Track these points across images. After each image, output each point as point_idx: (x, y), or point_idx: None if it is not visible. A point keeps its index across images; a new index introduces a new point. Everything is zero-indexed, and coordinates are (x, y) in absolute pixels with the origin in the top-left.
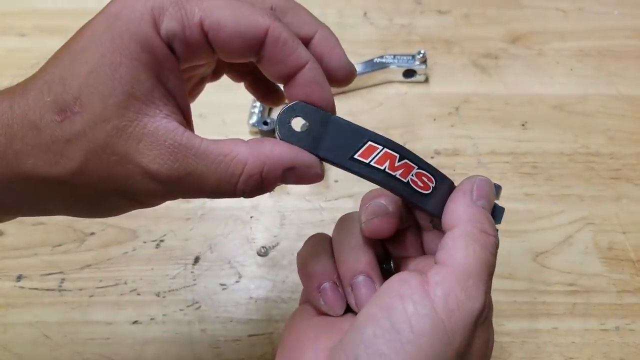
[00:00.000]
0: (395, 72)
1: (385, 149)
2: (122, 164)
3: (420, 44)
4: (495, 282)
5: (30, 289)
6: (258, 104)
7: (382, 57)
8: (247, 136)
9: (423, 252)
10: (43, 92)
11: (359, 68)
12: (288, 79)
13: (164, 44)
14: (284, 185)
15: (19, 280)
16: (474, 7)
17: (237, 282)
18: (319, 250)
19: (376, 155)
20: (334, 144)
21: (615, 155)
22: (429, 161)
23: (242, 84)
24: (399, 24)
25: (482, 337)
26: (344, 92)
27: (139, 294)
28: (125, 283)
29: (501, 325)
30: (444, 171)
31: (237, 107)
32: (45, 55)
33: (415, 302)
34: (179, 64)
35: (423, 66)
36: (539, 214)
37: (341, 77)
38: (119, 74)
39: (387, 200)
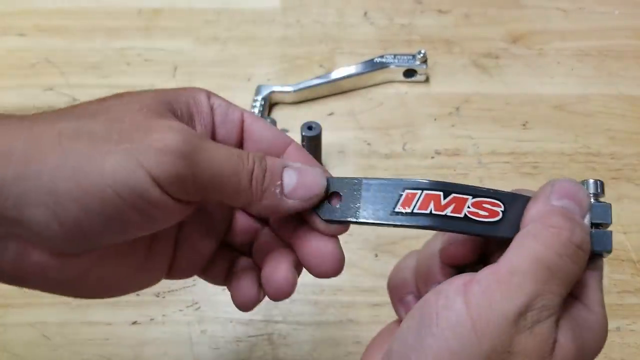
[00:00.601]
0: (396, 72)
1: (424, 192)
2: (147, 122)
3: (421, 44)
4: None
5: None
6: (258, 103)
7: (382, 56)
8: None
9: None
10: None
11: (359, 68)
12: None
13: (208, 104)
14: None
15: None
16: (475, 6)
17: None
18: (403, 265)
19: (417, 201)
20: (372, 206)
21: (616, 155)
22: (429, 161)
23: (240, 84)
24: (399, 23)
25: (529, 344)
26: (344, 92)
27: (138, 295)
28: None
29: None
30: (444, 171)
31: None
32: (45, 55)
33: (447, 297)
34: (213, 124)
35: (423, 66)
36: None
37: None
38: (165, 97)
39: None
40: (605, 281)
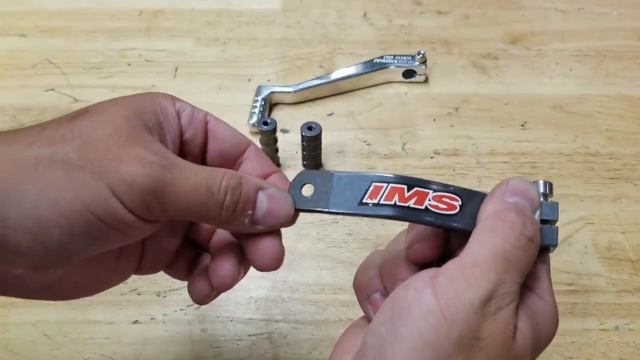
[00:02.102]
0: (395, 72)
1: (390, 184)
2: (118, 149)
3: (420, 45)
4: None
5: None
6: (258, 104)
7: (381, 57)
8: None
9: None
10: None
11: (359, 68)
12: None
13: (175, 110)
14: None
15: None
16: (474, 7)
17: None
18: (368, 264)
19: (383, 193)
20: (341, 197)
21: (615, 155)
22: (428, 161)
23: (241, 85)
24: (399, 24)
25: (494, 329)
26: (343, 93)
27: (139, 294)
28: (126, 283)
29: None
30: (443, 171)
31: (237, 108)
32: (47, 55)
33: (416, 289)
34: (180, 129)
35: (423, 66)
36: None
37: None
38: (133, 107)
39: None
40: (603, 281)
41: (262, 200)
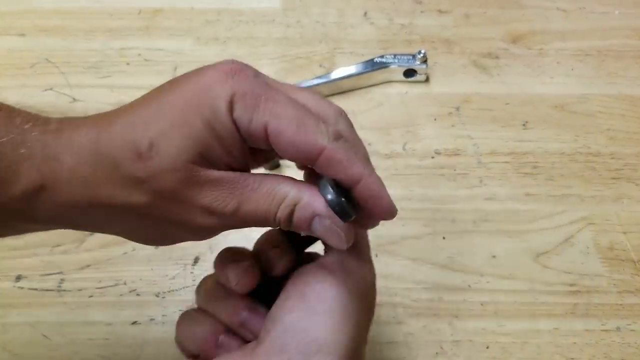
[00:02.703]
0: (396, 71)
1: None
2: (186, 205)
3: (421, 44)
4: (496, 282)
5: (30, 289)
6: None
7: (382, 56)
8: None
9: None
10: (126, 130)
11: (359, 68)
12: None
13: (234, 125)
14: None
15: (18, 281)
16: (475, 6)
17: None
18: (195, 318)
19: None
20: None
21: (616, 155)
22: (429, 161)
23: None
24: (399, 23)
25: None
26: (343, 93)
27: (138, 295)
28: (125, 283)
29: (502, 325)
30: (444, 171)
31: None
32: (45, 55)
33: (317, 281)
34: (243, 142)
35: (423, 66)
36: (540, 214)
37: (382, 218)
38: (195, 136)
39: (244, 257)
40: (605, 281)
41: (316, 227)
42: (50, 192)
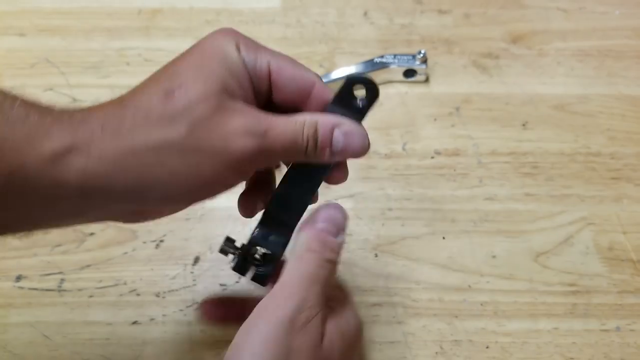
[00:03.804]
0: (396, 71)
1: None
2: (222, 129)
3: (421, 44)
4: (496, 282)
5: (30, 289)
6: None
7: (382, 56)
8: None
9: None
10: (152, 84)
11: (359, 68)
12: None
13: (243, 63)
14: None
15: (18, 281)
16: (475, 6)
17: (237, 282)
18: None
19: None
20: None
21: (616, 155)
22: (429, 161)
23: None
24: (399, 23)
25: (305, 340)
26: None
27: (138, 295)
28: (125, 283)
29: (502, 325)
30: (444, 171)
31: None
32: (45, 55)
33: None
34: (251, 81)
35: (423, 66)
36: (540, 214)
37: (355, 153)
38: (215, 75)
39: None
40: (605, 281)
41: (338, 138)
42: (81, 151)
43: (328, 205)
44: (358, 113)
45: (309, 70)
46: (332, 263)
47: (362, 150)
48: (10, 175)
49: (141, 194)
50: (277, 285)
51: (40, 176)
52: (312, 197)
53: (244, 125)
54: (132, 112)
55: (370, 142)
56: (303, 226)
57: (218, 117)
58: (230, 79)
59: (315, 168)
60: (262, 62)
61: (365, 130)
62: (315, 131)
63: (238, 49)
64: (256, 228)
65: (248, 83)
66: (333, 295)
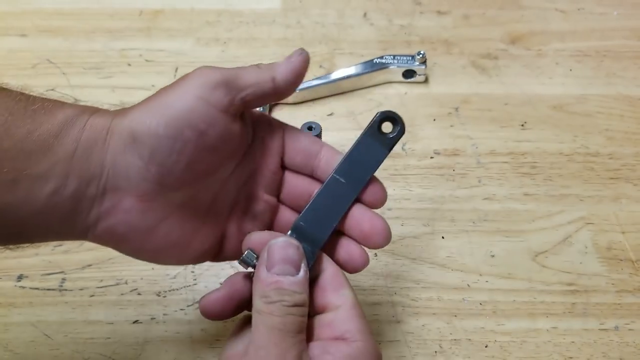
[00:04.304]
0: (395, 72)
1: None
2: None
3: (420, 45)
4: (495, 282)
5: (31, 288)
6: None
7: (381, 57)
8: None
9: None
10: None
11: (359, 68)
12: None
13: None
14: None
15: (19, 280)
16: (474, 7)
17: None
18: None
19: None
20: None
21: (615, 155)
22: (428, 161)
23: None
24: (399, 24)
25: None
26: (343, 93)
27: (139, 294)
28: (126, 283)
29: (501, 324)
30: (443, 171)
31: None
32: (47, 55)
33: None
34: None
35: (423, 66)
36: (538, 214)
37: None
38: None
39: (225, 281)
40: (603, 281)
41: (295, 58)
42: (87, 113)
43: (276, 243)
44: (386, 145)
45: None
46: (299, 305)
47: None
48: (25, 136)
49: (134, 142)
50: (250, 348)
51: (49, 136)
52: (341, 217)
53: (217, 69)
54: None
55: None
56: (257, 274)
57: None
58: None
59: (348, 187)
60: (278, 131)
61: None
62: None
63: (281, 130)
64: None
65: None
66: (338, 334)
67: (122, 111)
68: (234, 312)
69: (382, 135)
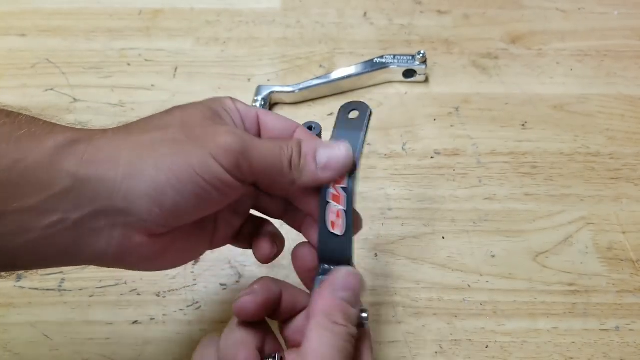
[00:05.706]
0: (395, 72)
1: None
2: (210, 128)
3: (420, 44)
4: (496, 282)
5: (31, 289)
6: (258, 103)
7: (382, 57)
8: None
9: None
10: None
11: (359, 68)
12: None
13: (236, 108)
14: None
15: (19, 280)
16: (474, 7)
17: (237, 282)
18: (205, 353)
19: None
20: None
21: (615, 155)
22: (429, 161)
23: (241, 85)
24: (399, 24)
25: None
26: (343, 93)
27: (139, 294)
28: (125, 283)
29: (501, 325)
30: (443, 171)
31: None
32: (46, 55)
33: None
34: (242, 119)
35: (423, 66)
36: (539, 214)
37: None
38: (208, 107)
39: (259, 284)
40: (604, 281)
41: (322, 152)
42: (81, 142)
43: (348, 271)
44: (359, 130)
45: (291, 120)
46: (354, 336)
47: (347, 160)
48: (12, 165)
49: (130, 189)
50: (311, 355)
51: (38, 167)
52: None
53: (231, 130)
54: (131, 125)
55: (370, 142)
56: (323, 291)
57: (207, 124)
58: (222, 112)
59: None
60: (251, 109)
61: (348, 145)
62: (299, 144)
63: (234, 101)
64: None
65: (239, 120)
66: None
67: (128, 141)
68: (265, 315)
69: (352, 124)
